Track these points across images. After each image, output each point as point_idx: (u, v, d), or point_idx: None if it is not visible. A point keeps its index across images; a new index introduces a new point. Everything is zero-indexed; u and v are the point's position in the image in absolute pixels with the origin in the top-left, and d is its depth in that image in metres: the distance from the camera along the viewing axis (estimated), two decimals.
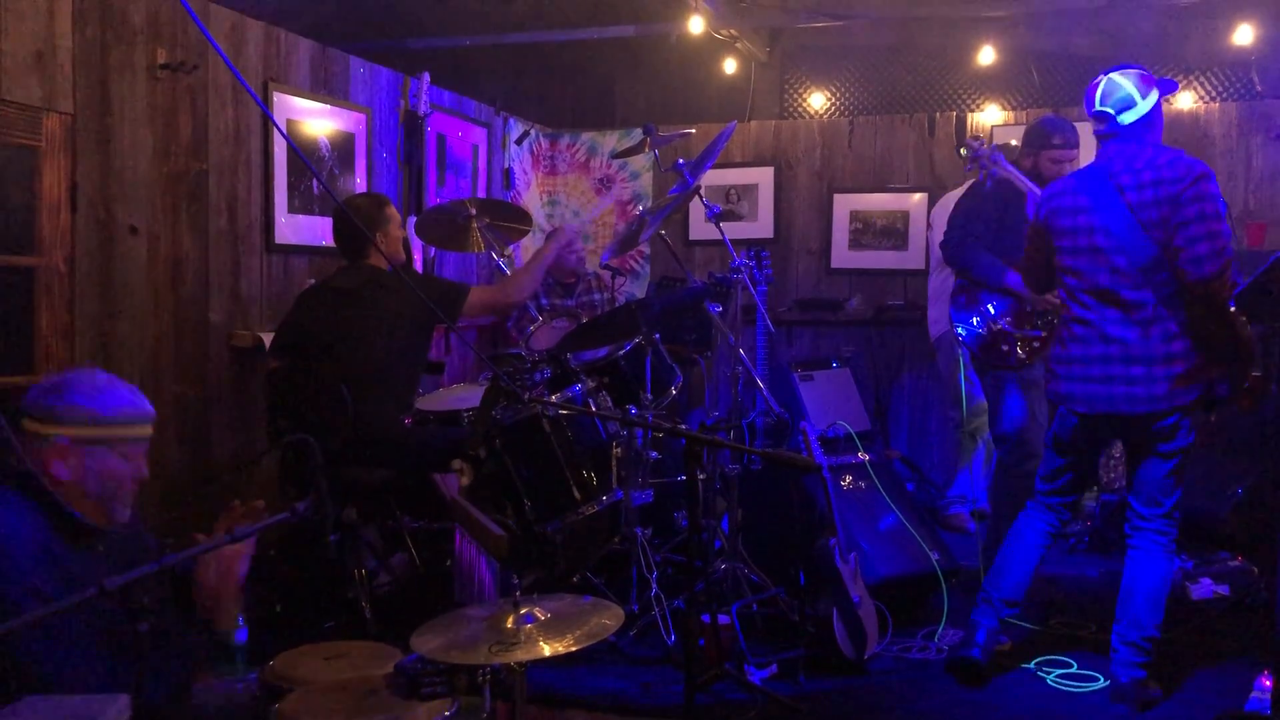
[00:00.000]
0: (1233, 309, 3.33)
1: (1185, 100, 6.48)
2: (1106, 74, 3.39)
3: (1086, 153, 3.93)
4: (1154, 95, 3.36)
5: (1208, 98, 6.65)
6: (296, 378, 3.94)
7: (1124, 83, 3.34)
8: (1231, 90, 6.65)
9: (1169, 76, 6.71)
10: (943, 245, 4.54)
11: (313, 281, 4.68)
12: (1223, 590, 4.31)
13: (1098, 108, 3.38)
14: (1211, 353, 3.29)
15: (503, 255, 4.61)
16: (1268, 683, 3.18)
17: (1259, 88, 6.46)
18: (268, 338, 4.32)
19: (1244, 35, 6.00)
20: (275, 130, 4.77)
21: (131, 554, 2.29)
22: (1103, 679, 3.51)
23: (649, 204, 7.13)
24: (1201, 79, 6.72)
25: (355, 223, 3.98)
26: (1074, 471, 3.66)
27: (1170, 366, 3.29)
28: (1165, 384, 3.30)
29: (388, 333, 3.90)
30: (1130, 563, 3.48)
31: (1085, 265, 3.42)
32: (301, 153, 4.96)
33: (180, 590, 2.39)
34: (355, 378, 3.81)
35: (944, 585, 4.06)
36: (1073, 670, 3.65)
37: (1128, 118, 3.34)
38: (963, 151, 4.14)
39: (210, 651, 2.32)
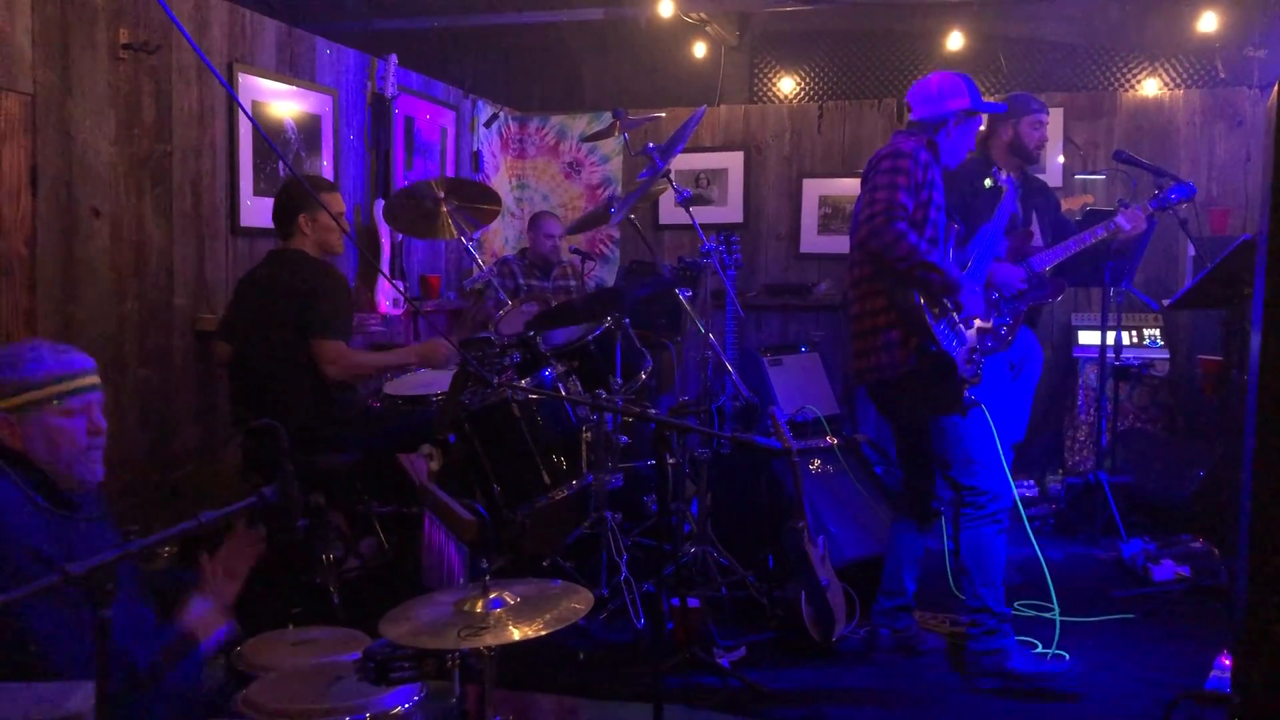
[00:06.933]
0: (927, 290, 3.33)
1: (1150, 87, 6.54)
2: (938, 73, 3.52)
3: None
4: (958, 108, 3.43)
5: (1172, 84, 6.70)
6: (251, 364, 3.93)
7: (937, 86, 3.45)
8: (1196, 77, 6.71)
9: (1135, 63, 6.78)
10: None
11: None
12: (1184, 571, 4.37)
13: (907, 98, 3.55)
14: (907, 325, 3.34)
15: (472, 239, 4.57)
16: (1227, 662, 3.22)
17: (1222, 75, 6.51)
18: None
19: (1208, 23, 6.05)
20: (240, 112, 4.71)
21: (102, 539, 2.28)
22: (1069, 657, 3.55)
23: (618, 189, 7.12)
24: (1166, 66, 6.78)
25: (283, 197, 3.98)
26: (906, 467, 3.75)
27: (876, 338, 3.40)
28: (874, 355, 3.41)
29: (293, 324, 3.86)
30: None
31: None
32: (267, 135, 4.91)
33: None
34: (276, 366, 3.85)
35: None
36: (1038, 651, 3.68)
37: (918, 114, 3.46)
38: (987, 183, 4.07)
39: (178, 640, 2.31)
